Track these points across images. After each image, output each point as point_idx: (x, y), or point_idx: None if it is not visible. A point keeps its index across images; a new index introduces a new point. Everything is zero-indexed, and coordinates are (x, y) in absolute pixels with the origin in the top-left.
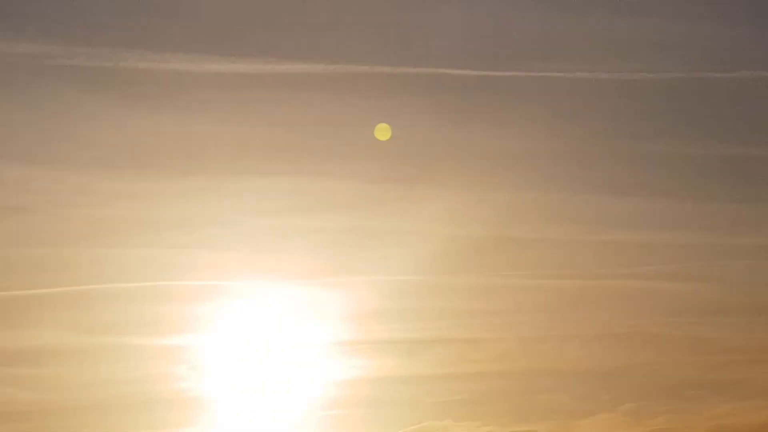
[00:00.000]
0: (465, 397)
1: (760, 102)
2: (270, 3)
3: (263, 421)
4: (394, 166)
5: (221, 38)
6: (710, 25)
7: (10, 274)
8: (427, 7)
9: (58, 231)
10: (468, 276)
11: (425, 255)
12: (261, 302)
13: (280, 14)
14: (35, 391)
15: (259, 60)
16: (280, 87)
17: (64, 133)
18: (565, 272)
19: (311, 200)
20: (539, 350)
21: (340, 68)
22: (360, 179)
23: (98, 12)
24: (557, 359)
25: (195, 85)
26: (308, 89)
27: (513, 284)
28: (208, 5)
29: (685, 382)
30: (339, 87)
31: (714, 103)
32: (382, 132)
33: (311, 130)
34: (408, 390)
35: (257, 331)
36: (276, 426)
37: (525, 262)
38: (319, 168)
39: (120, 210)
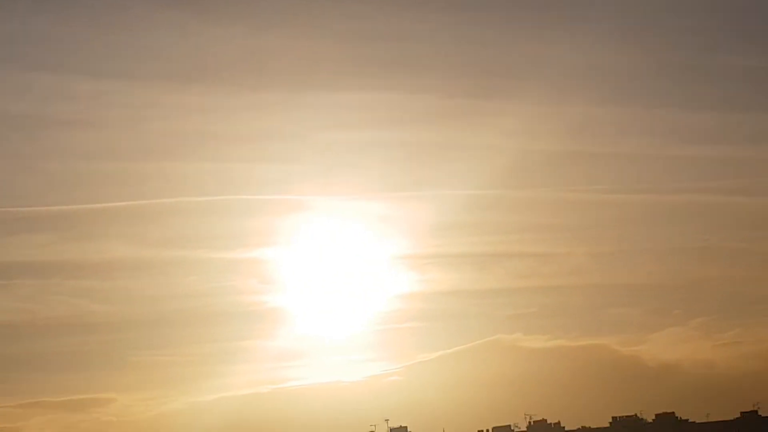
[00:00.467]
0: (535, 310)
1: None
2: None
3: (334, 333)
4: (468, 80)
5: None
6: None
7: (80, 187)
8: None
9: (129, 145)
10: (540, 190)
11: (498, 169)
12: (332, 216)
13: None
14: (106, 304)
15: None
16: (351, 0)
17: (134, 46)
18: (637, 186)
19: (383, 114)
20: (611, 264)
21: None
22: (433, 93)
23: None
24: (629, 273)
25: None
26: (380, 3)
27: (585, 198)
28: None
29: (757, 297)
30: (411, 2)
31: None
32: None
33: (384, 45)
34: (479, 303)
35: (329, 244)
36: (348, 337)
37: (597, 177)
38: (392, 82)
39: (190, 124)
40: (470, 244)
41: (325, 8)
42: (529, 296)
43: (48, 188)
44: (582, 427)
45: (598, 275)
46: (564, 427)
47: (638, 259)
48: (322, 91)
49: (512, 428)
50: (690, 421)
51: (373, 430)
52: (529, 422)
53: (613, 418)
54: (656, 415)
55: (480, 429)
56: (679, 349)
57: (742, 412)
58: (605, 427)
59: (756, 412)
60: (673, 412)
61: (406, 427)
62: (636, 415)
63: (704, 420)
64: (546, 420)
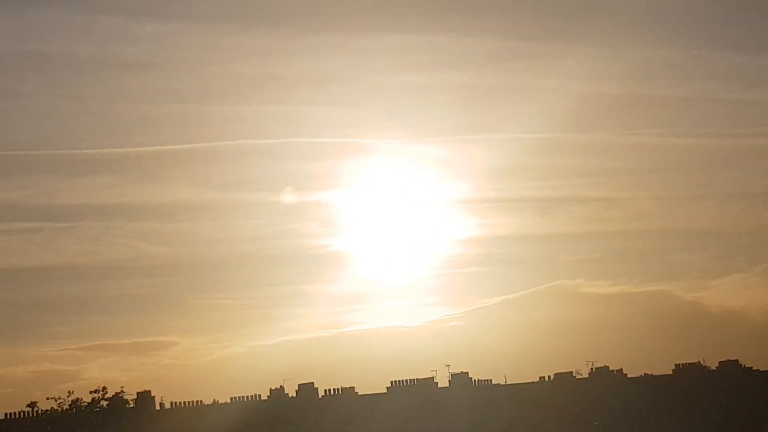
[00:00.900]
0: (598, 255)
1: None
2: None
3: (395, 278)
4: (530, 22)
5: None
6: None
7: (142, 130)
8: None
9: (190, 87)
10: (603, 134)
11: (560, 112)
12: (393, 159)
13: None
14: (167, 246)
15: None
16: None
17: None
18: (701, 130)
19: (444, 57)
20: (674, 209)
21: None
22: (495, 36)
23: None
24: (692, 218)
25: None
26: None
27: (648, 142)
28: None
29: None
30: None
31: None
32: None
33: None
34: (541, 248)
35: (389, 188)
36: (408, 282)
37: (660, 120)
38: (453, 24)
39: (252, 67)
40: (531, 189)
41: None
42: (592, 241)
43: (110, 131)
44: (644, 374)
45: (662, 220)
46: (626, 375)
47: (702, 204)
48: (383, 33)
49: (574, 375)
50: (754, 369)
51: (434, 375)
52: (591, 369)
53: (675, 365)
54: (720, 363)
55: (542, 375)
56: (743, 295)
57: None
58: (668, 375)
59: None
60: (737, 360)
61: (467, 373)
62: (699, 362)
63: None
64: (608, 367)
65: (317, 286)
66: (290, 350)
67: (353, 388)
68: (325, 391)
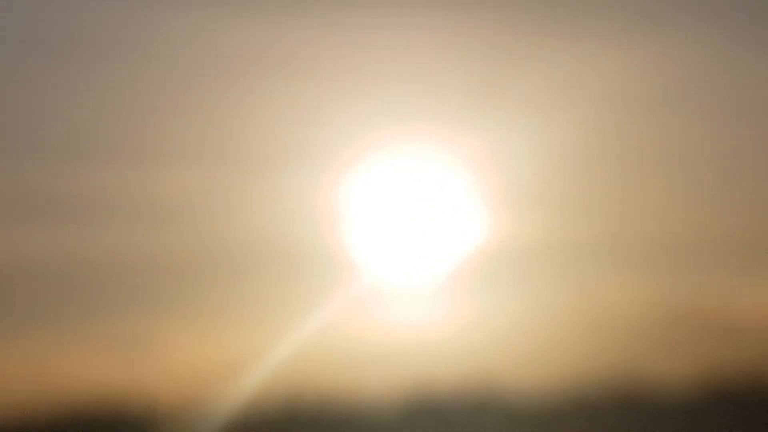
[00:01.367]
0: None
1: None
2: None
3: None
4: (529, 14)
5: None
6: None
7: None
8: None
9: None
10: None
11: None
12: (394, 158)
13: None
14: (167, 245)
15: None
16: None
17: None
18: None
19: (447, 52)
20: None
21: None
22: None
23: None
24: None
25: None
26: None
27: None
28: None
29: None
30: None
31: None
32: None
33: None
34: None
35: (391, 186)
36: (414, 282)
37: None
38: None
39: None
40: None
41: None
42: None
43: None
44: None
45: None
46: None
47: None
48: (380, 28)
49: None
50: None
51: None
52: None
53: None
54: None
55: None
56: None
57: None
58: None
59: None
60: None
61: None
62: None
63: None
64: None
65: (317, 287)
66: (290, 350)
67: (353, 388)
68: (325, 391)
